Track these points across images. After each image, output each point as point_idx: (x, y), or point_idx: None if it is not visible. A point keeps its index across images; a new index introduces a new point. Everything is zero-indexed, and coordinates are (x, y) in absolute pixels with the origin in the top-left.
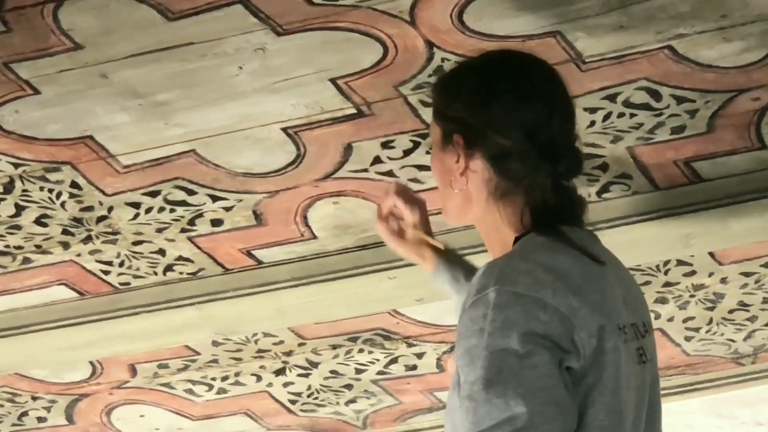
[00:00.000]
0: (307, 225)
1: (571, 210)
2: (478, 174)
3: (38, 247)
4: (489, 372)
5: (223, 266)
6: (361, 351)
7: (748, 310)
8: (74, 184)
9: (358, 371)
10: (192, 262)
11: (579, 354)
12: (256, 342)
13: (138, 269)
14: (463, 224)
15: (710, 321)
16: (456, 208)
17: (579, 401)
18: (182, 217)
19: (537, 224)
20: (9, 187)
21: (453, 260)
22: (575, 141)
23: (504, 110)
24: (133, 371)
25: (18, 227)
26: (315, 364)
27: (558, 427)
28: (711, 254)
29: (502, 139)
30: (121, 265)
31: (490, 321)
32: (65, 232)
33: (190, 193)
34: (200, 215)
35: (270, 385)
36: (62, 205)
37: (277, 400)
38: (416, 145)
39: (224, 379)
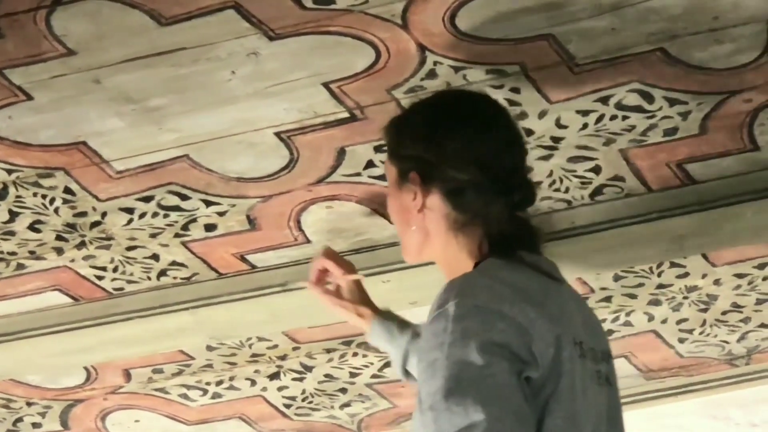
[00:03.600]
0: (300, 229)
1: (529, 238)
2: (436, 210)
3: (32, 252)
4: (449, 382)
5: (216, 271)
6: (355, 355)
7: (741, 312)
8: (68, 190)
9: (353, 375)
10: (186, 266)
11: (537, 364)
12: (250, 346)
13: (132, 274)
14: (422, 261)
15: (704, 323)
16: (415, 246)
17: (538, 412)
18: (176, 222)
19: (495, 250)
20: (2, 194)
21: (388, 317)
22: (528, 173)
23: (458, 145)
24: (128, 376)
25: (11, 233)
26: (309, 368)
27: None
28: (704, 256)
29: (458, 173)
30: (115, 270)
31: (450, 332)
32: (59, 237)
33: (184, 198)
34: (194, 220)
35: (264, 389)
36: (56, 210)
37: (271, 405)
38: None
39: (219, 383)
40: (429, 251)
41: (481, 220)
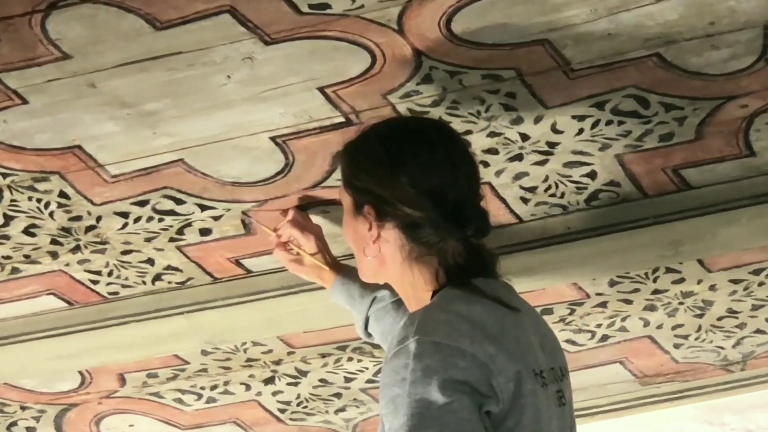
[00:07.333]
0: None
1: (484, 265)
2: (391, 241)
3: (27, 257)
4: (412, 419)
5: (211, 275)
6: (350, 359)
7: (737, 318)
8: (63, 194)
9: (348, 380)
10: (181, 271)
11: (498, 398)
12: (245, 351)
13: (127, 279)
14: (379, 282)
15: (699, 328)
16: (371, 271)
17: None
18: (171, 226)
19: (451, 280)
20: None
21: (349, 278)
22: (481, 201)
23: (411, 180)
24: (122, 381)
25: (6, 237)
26: (304, 373)
27: None
28: (700, 261)
29: (412, 210)
30: (110, 274)
31: (411, 370)
32: (54, 241)
33: (179, 202)
34: (189, 224)
35: (259, 394)
36: (51, 214)
37: (266, 409)
38: None
39: (213, 388)
40: (385, 277)
41: (437, 252)
